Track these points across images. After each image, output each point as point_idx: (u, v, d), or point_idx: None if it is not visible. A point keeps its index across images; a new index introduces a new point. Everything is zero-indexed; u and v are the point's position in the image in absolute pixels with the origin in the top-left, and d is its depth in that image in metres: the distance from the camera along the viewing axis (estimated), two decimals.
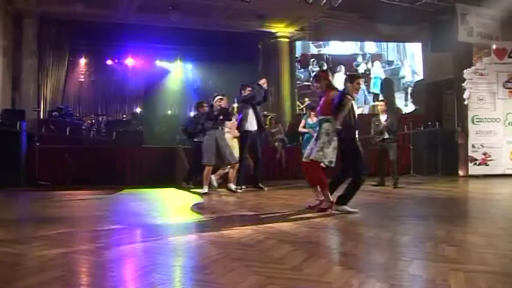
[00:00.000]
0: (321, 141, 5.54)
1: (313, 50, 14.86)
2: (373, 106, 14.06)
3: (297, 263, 3.08)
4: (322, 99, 5.76)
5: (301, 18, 14.51)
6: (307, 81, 14.58)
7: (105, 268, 3.09)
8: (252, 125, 8.76)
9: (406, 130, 12.34)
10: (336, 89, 5.77)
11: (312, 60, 14.69)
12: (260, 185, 8.91)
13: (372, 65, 14.99)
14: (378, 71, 15.04)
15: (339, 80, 14.38)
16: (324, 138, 5.53)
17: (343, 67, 14.52)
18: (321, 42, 14.82)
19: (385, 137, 9.10)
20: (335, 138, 5.53)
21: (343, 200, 5.59)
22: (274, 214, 5.46)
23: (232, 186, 8.47)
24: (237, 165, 8.50)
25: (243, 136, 8.79)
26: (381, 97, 13.83)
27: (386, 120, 9.14)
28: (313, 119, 9.14)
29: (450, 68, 13.66)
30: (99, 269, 3.07)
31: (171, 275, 2.94)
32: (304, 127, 9.53)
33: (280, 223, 4.77)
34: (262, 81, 8.87)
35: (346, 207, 5.52)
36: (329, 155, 5.48)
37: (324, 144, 5.50)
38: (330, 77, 5.96)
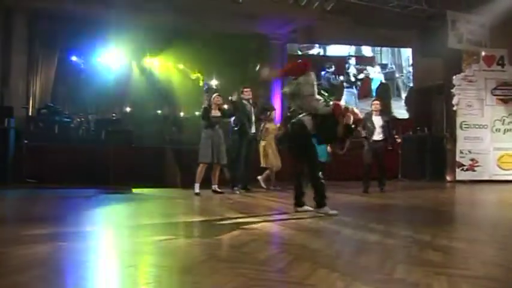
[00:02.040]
0: None
1: (302, 50, 14.90)
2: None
3: (282, 265, 3.09)
4: None
5: (293, 21, 14.54)
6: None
7: (89, 268, 3.08)
8: (248, 127, 8.80)
9: (395, 134, 12.39)
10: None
11: (299, 61, 14.72)
12: (248, 187, 8.94)
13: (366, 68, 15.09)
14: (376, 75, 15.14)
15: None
16: None
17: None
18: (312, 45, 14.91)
19: (377, 139, 8.88)
20: None
21: (319, 202, 5.58)
22: (262, 216, 5.46)
23: (216, 187, 8.45)
24: (219, 167, 8.49)
25: (240, 138, 8.81)
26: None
27: (380, 123, 8.90)
28: None
29: (440, 74, 13.76)
30: (82, 269, 3.05)
31: (157, 275, 2.93)
32: None
33: (267, 225, 4.78)
34: (246, 90, 8.91)
35: (326, 209, 5.51)
36: None
37: None
38: None
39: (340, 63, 14.93)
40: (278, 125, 9.91)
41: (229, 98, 8.98)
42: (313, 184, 5.66)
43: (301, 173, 5.81)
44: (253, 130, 8.93)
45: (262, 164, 9.37)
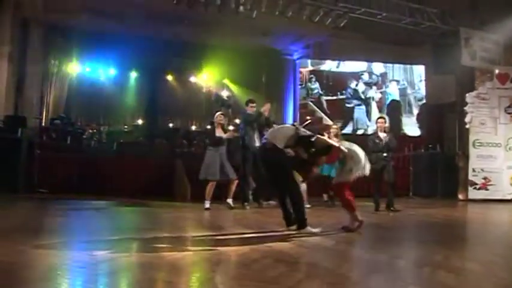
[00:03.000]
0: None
1: (312, 66, 14.94)
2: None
3: (292, 284, 3.05)
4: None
5: (306, 37, 14.59)
6: (304, 98, 14.64)
7: (99, 281, 3.07)
8: (253, 141, 8.77)
9: (407, 152, 12.32)
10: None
11: (310, 76, 14.73)
12: (260, 200, 8.90)
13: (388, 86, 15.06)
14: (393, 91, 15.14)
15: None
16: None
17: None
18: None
19: (384, 155, 8.74)
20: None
21: (299, 223, 5.43)
22: (272, 233, 5.42)
23: (231, 201, 8.45)
24: (236, 181, 8.49)
25: (244, 152, 8.80)
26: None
27: (385, 139, 8.91)
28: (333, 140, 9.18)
29: (452, 91, 13.68)
30: (92, 282, 3.05)
31: None
32: None
33: (278, 242, 4.73)
34: (265, 108, 8.91)
35: (308, 228, 5.36)
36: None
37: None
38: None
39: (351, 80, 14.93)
40: None
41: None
42: (294, 204, 5.53)
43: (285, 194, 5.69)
44: (257, 144, 8.87)
45: None
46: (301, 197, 5.63)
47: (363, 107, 14.90)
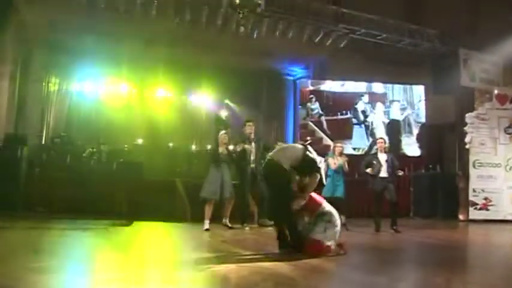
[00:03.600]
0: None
1: (312, 86, 14.97)
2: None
3: None
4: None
5: (307, 58, 14.68)
6: (304, 118, 14.66)
7: None
8: (251, 160, 8.78)
9: (407, 172, 12.30)
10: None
11: (310, 96, 14.76)
12: (260, 221, 8.86)
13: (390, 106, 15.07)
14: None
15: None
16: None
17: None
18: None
19: (384, 175, 8.79)
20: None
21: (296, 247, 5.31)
22: (272, 254, 5.35)
23: (227, 221, 8.42)
24: (232, 201, 8.47)
25: (240, 175, 8.81)
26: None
27: (386, 160, 8.89)
28: (337, 159, 9.21)
29: (452, 112, 13.74)
30: None
31: None
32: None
33: (278, 264, 4.69)
34: (249, 130, 8.92)
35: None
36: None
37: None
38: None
39: (351, 100, 14.94)
40: None
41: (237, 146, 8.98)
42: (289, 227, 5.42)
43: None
44: (252, 165, 8.86)
45: None
46: (294, 221, 5.41)
47: (362, 127, 14.88)
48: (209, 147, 12.36)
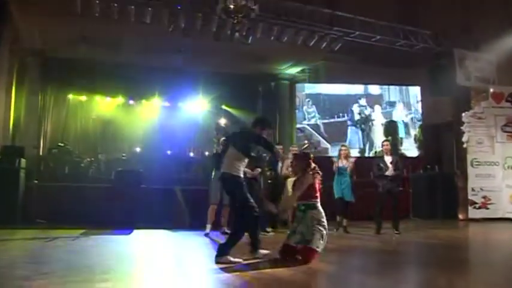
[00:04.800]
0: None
1: (308, 90, 14.95)
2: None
3: None
4: (300, 181, 5.56)
5: (302, 61, 14.71)
6: (301, 122, 14.64)
7: None
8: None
9: (405, 173, 12.30)
10: (314, 172, 5.55)
11: (307, 100, 14.75)
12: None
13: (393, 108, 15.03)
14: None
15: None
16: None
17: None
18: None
19: (389, 176, 8.71)
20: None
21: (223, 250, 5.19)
22: (271, 259, 5.33)
23: (225, 228, 8.40)
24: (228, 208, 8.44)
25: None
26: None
27: (391, 162, 8.85)
28: (343, 162, 9.23)
29: (449, 111, 13.76)
30: None
31: None
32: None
33: (278, 269, 4.68)
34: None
35: (228, 257, 5.09)
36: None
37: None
38: (311, 160, 5.66)
39: (347, 103, 14.92)
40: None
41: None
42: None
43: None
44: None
45: None
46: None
47: (358, 128, 14.81)
48: (207, 153, 12.36)
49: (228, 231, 8.27)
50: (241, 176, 5.41)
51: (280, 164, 9.19)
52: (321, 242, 5.21)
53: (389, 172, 8.74)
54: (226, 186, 5.56)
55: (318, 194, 5.47)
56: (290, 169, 8.91)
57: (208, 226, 8.10)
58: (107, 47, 12.32)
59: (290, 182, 8.50)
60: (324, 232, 5.27)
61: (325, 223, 5.35)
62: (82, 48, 11.99)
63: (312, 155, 5.75)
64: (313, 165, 5.59)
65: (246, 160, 5.52)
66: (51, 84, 14.19)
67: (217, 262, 4.96)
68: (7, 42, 11.96)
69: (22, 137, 12.74)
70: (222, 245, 5.23)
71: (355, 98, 15.00)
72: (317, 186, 5.48)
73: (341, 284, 4.26)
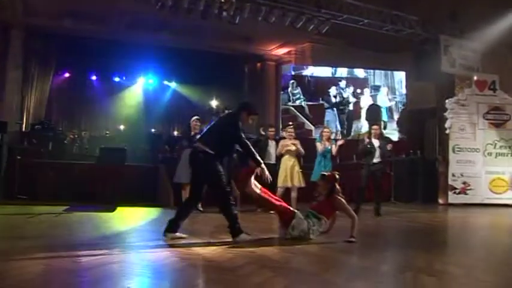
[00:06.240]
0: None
1: (294, 71, 14.96)
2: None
3: None
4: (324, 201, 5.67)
5: (289, 43, 14.69)
6: (286, 104, 14.67)
7: None
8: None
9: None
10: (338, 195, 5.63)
11: (291, 82, 14.76)
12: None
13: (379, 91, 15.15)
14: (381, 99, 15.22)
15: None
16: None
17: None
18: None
19: (376, 161, 8.86)
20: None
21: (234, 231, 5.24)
22: (257, 238, 5.40)
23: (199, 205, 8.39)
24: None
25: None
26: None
27: (379, 146, 8.94)
28: (325, 144, 9.28)
29: (432, 97, 13.89)
30: None
31: None
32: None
33: (262, 248, 4.75)
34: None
35: (243, 236, 5.18)
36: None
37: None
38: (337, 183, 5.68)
39: (330, 85, 14.97)
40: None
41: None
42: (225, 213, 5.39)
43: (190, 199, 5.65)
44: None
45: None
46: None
47: (333, 111, 14.84)
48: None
49: (201, 209, 8.33)
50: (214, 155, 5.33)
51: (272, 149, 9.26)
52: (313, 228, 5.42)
53: (376, 158, 8.85)
54: (194, 164, 5.49)
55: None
56: (286, 148, 9.08)
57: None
58: (93, 22, 12.14)
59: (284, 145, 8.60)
60: (314, 228, 5.45)
61: (317, 232, 5.49)
62: (67, 23, 11.81)
63: (338, 177, 5.72)
64: (338, 187, 5.66)
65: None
66: (34, 59, 13.96)
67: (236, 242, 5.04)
68: None
69: (5, 112, 12.56)
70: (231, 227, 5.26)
71: (337, 82, 15.07)
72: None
73: (323, 263, 4.34)
